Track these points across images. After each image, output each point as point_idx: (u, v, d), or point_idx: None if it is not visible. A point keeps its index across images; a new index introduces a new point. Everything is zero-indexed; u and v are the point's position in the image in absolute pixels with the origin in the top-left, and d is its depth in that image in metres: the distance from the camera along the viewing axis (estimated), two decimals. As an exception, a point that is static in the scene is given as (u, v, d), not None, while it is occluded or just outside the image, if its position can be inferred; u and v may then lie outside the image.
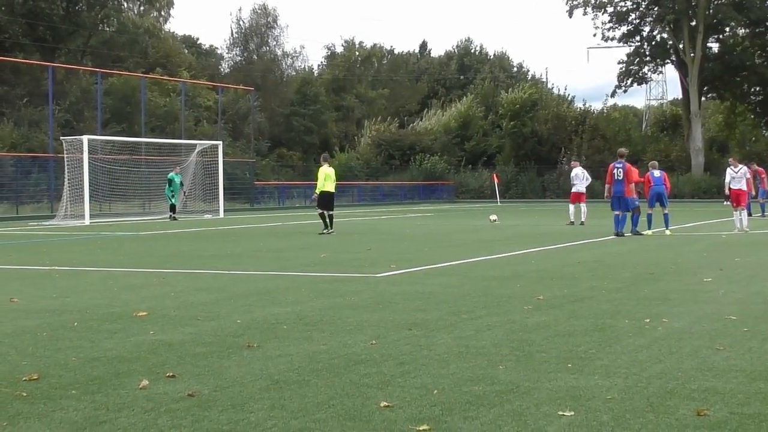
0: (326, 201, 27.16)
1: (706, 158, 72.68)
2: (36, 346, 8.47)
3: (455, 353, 7.97)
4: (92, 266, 16.82)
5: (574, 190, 32.62)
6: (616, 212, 25.14)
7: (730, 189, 27.09)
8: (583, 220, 31.48)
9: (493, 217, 34.17)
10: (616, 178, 25.15)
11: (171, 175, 40.65)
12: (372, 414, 5.95)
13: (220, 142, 47.15)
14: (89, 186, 37.99)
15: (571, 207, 32.44)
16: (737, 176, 26.91)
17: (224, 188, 44.89)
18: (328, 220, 26.80)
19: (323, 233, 26.44)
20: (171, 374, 7.13)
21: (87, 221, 36.70)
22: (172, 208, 40.53)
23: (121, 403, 6.29)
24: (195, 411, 6.05)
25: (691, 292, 12.24)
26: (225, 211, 44.14)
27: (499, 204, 62.96)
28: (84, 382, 6.94)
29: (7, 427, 5.70)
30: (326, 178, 27.29)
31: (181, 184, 41.18)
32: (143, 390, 6.64)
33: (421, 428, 5.60)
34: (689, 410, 6.02)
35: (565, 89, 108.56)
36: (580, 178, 32.65)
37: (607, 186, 25.67)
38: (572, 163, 35.22)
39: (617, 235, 24.74)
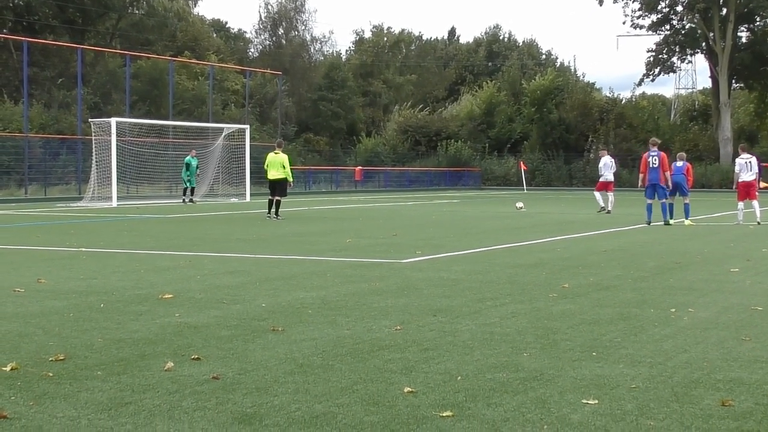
0: (272, 188, 26.98)
1: (734, 148, 72.13)
2: (62, 326, 8.51)
3: (480, 340, 7.96)
4: (119, 248, 16.90)
5: (602, 179, 32.48)
6: (650, 201, 25.01)
7: (739, 181, 25.71)
8: (609, 208, 31.36)
9: (520, 204, 34.10)
10: (651, 165, 24.95)
11: (188, 158, 40.88)
12: (395, 399, 5.96)
13: (247, 126, 47.26)
14: (117, 168, 38.20)
15: (597, 194, 32.31)
16: (749, 166, 25.84)
17: (251, 172, 44.96)
18: (274, 207, 26.71)
19: (269, 217, 26.63)
20: (196, 357, 7.16)
21: (114, 203, 36.89)
22: (191, 191, 40.75)
23: (146, 384, 6.32)
24: (219, 393, 6.07)
25: (718, 282, 12.17)
26: (251, 195, 44.22)
27: (525, 191, 62.83)
28: (109, 363, 6.98)
29: (33, 406, 5.74)
30: (269, 166, 26.97)
31: (197, 167, 41.37)
32: (168, 372, 6.67)
33: (444, 414, 5.60)
34: (714, 400, 5.99)
35: (584, 76, 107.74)
36: (608, 166, 32.54)
37: (641, 175, 25.43)
38: (600, 152, 35.08)
39: (648, 224, 24.61)
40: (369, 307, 9.73)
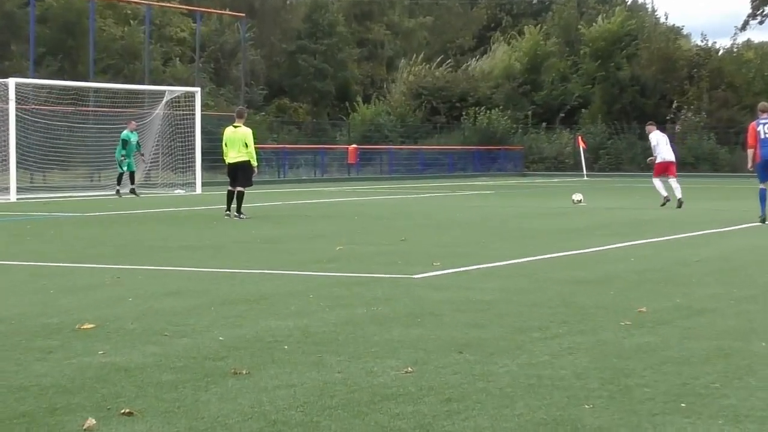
0: (232, 175, 26.83)
1: None
2: (-59, 369, 8.51)
3: (523, 386, 7.95)
4: (19, 260, 16.91)
5: (659, 159, 32.42)
6: (763, 185, 24.88)
7: None
8: (679, 196, 31.19)
9: (578, 196, 34.13)
10: (763, 136, 24.84)
11: (126, 133, 40.65)
12: (406, 470, 5.95)
13: (198, 89, 47.27)
14: (16, 148, 38.12)
15: (657, 180, 32.20)
16: None
17: (203, 153, 44.88)
18: (234, 202, 26.40)
19: (228, 215, 26.62)
20: (127, 411, 7.14)
21: (12, 197, 36.89)
22: (129, 177, 40.54)
23: (58, 450, 6.31)
24: (160, 463, 6.06)
25: None
26: (203, 185, 44.20)
27: (585, 178, 62.93)
28: (7, 420, 6.97)
29: None
30: (227, 144, 26.81)
31: (139, 145, 41.20)
32: (89, 432, 6.66)
33: (474, 491, 5.59)
34: None
35: (666, 18, 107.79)
36: (662, 143, 32.62)
37: (750, 151, 25.32)
38: (648, 126, 35.22)
39: (763, 220, 24.53)
40: (368, 341, 9.73)
